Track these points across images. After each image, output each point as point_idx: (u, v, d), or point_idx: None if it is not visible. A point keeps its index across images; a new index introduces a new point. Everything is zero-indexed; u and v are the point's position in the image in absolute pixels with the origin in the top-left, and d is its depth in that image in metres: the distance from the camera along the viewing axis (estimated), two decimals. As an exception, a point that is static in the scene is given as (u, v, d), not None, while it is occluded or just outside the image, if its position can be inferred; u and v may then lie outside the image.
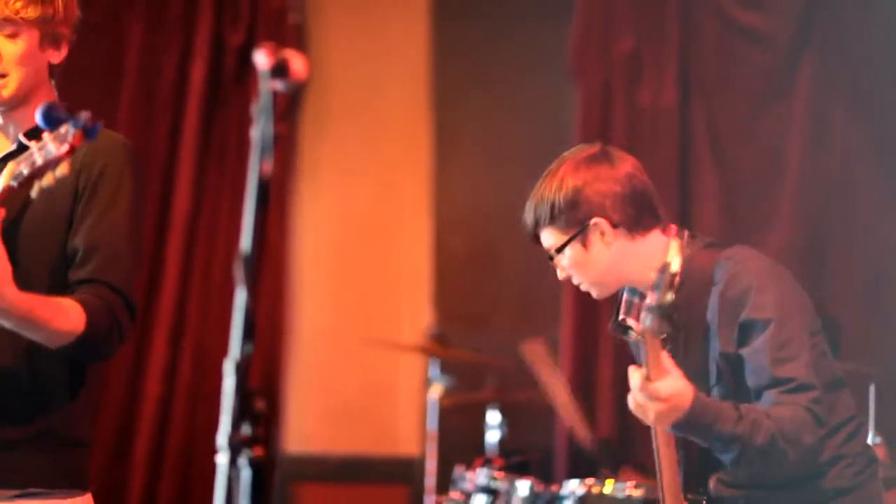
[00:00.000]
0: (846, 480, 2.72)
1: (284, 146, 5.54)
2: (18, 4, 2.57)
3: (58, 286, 2.53)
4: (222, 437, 1.74)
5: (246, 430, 1.73)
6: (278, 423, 5.58)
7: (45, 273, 2.54)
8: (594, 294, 2.89)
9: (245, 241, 1.76)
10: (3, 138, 2.65)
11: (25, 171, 2.26)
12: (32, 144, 2.27)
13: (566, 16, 5.43)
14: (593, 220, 2.81)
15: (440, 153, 5.75)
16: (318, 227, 5.84)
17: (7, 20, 2.56)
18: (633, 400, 2.52)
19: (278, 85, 1.79)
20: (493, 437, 4.75)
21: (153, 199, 5.45)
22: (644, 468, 4.26)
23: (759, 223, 5.14)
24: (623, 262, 2.82)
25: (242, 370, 1.74)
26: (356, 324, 5.74)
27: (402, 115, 5.83)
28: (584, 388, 5.18)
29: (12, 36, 2.58)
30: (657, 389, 2.48)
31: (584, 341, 5.22)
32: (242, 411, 1.74)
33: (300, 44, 5.62)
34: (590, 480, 3.81)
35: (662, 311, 2.42)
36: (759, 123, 5.20)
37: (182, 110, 5.59)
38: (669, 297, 2.41)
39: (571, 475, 4.31)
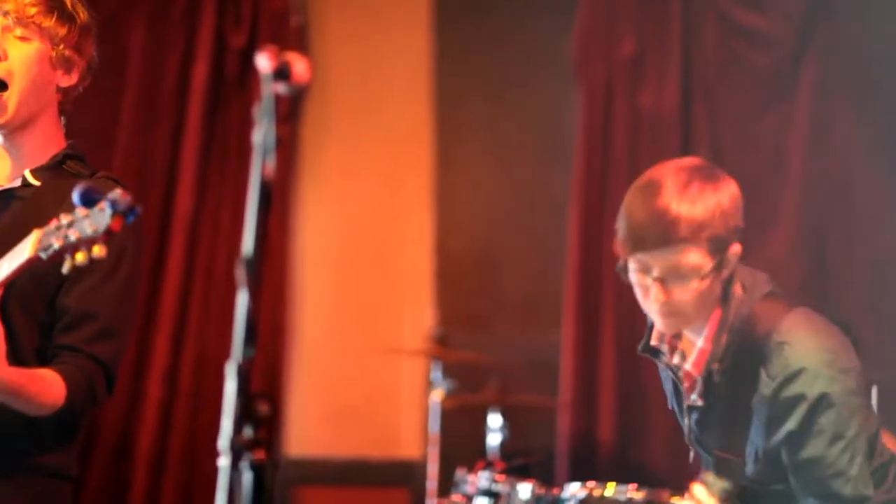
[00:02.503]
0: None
1: (286, 149, 5.53)
2: (33, 10, 2.60)
3: (45, 344, 2.52)
4: (224, 440, 1.74)
5: (248, 433, 1.73)
6: (280, 426, 5.57)
7: (35, 334, 2.53)
8: (672, 328, 2.52)
9: (247, 244, 1.76)
10: (3, 155, 2.65)
11: (56, 246, 2.20)
12: (61, 218, 2.21)
13: (568, 18, 5.43)
14: (735, 247, 2.43)
15: (442, 155, 5.75)
16: (320, 229, 5.83)
17: (19, 21, 2.58)
18: None
19: (280, 88, 1.79)
20: (494, 439, 4.74)
21: (155, 201, 5.45)
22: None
23: (761, 226, 5.13)
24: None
25: (244, 373, 1.74)
26: (358, 326, 5.73)
27: (405, 117, 5.82)
28: (585, 391, 5.18)
29: (23, 39, 2.59)
30: None
31: (587, 344, 5.21)
32: (244, 414, 1.74)
33: (302, 46, 5.61)
34: (591, 483, 3.80)
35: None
36: (761, 126, 5.19)
37: (184, 112, 5.58)
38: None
39: (573, 478, 4.30)
